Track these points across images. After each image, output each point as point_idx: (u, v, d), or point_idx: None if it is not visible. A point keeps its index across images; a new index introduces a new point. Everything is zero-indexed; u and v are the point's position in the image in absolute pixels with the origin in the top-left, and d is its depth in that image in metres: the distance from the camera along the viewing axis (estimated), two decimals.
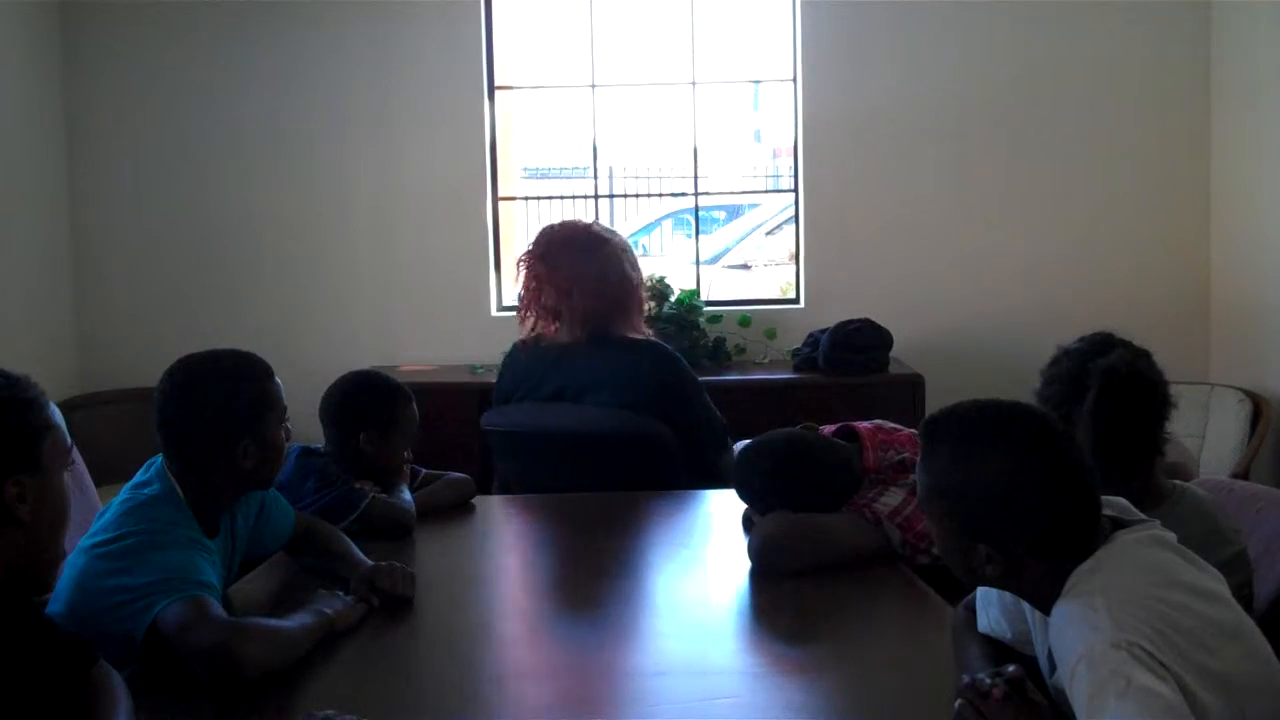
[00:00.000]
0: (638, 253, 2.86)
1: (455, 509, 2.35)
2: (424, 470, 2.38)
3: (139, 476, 1.69)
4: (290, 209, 4.20)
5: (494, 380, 3.86)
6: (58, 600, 1.61)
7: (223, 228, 4.20)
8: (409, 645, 1.68)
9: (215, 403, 1.67)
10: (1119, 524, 1.28)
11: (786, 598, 1.88)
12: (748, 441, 2.10)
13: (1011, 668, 1.26)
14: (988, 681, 1.24)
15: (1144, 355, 1.68)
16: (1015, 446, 1.26)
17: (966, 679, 1.27)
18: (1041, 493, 1.23)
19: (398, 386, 2.30)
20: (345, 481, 2.16)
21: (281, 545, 1.92)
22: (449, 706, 1.47)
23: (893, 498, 1.90)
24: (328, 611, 1.62)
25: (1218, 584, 1.25)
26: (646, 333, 2.70)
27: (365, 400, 2.26)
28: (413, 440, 2.28)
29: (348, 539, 1.93)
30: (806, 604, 1.85)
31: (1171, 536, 1.29)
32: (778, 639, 1.71)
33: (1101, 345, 1.67)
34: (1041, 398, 1.67)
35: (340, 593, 1.71)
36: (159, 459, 1.70)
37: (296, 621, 1.56)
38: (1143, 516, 1.31)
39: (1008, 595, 1.37)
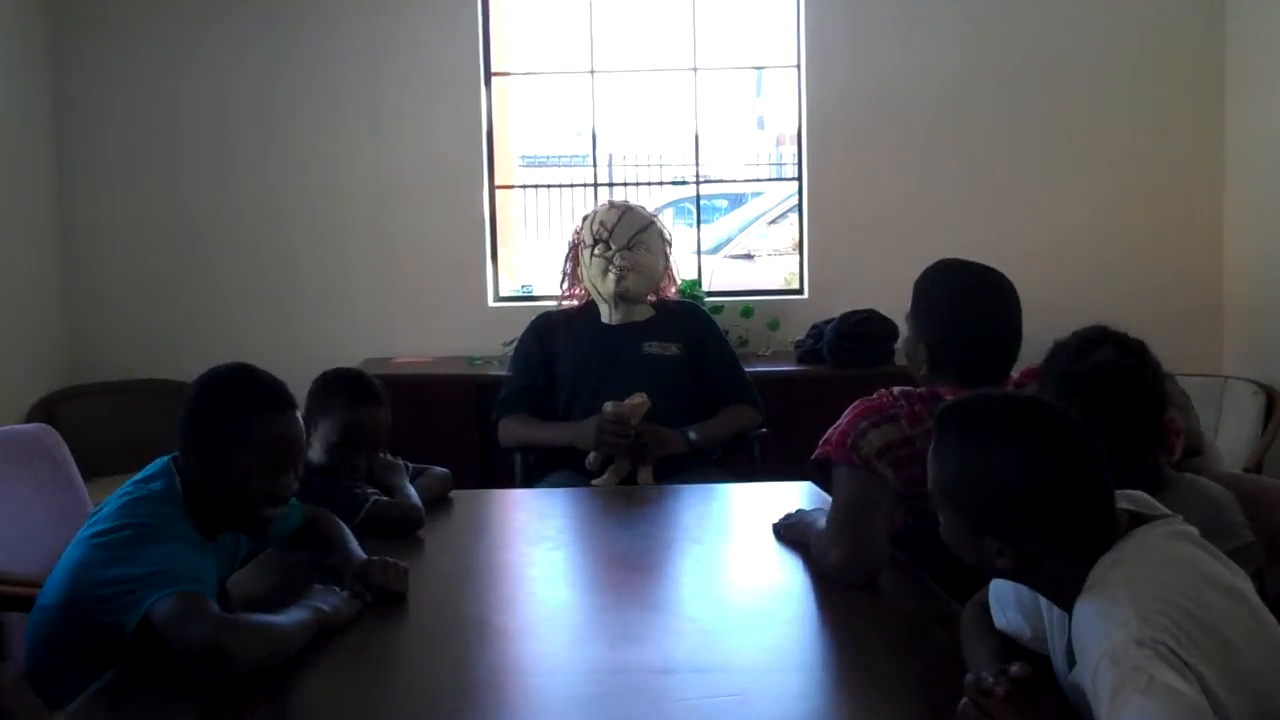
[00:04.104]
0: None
1: (438, 504, 2.35)
2: (410, 465, 2.38)
3: (146, 471, 1.70)
4: (283, 198, 4.18)
5: (491, 372, 3.91)
6: (52, 588, 1.62)
7: (214, 218, 4.18)
8: (402, 641, 1.67)
9: (227, 452, 1.65)
10: (1139, 519, 1.28)
11: (793, 593, 1.88)
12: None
13: (1016, 666, 1.25)
14: (990, 679, 1.24)
15: (1135, 350, 1.66)
16: (1027, 439, 1.25)
17: (970, 677, 1.27)
18: (1053, 486, 1.23)
19: (348, 383, 2.21)
20: (345, 486, 2.14)
21: (289, 539, 1.92)
22: (444, 704, 1.47)
23: (878, 437, 1.83)
24: (323, 608, 1.62)
25: (1242, 581, 1.24)
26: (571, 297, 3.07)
27: (312, 399, 2.20)
28: (371, 444, 2.18)
29: (348, 532, 1.92)
30: (813, 599, 1.85)
31: (1194, 530, 1.28)
32: (783, 635, 1.71)
33: (1091, 342, 1.65)
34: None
35: (337, 589, 1.71)
36: (168, 458, 1.70)
37: (290, 617, 1.56)
38: (1165, 511, 1.30)
39: (1025, 591, 1.36)
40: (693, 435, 2.82)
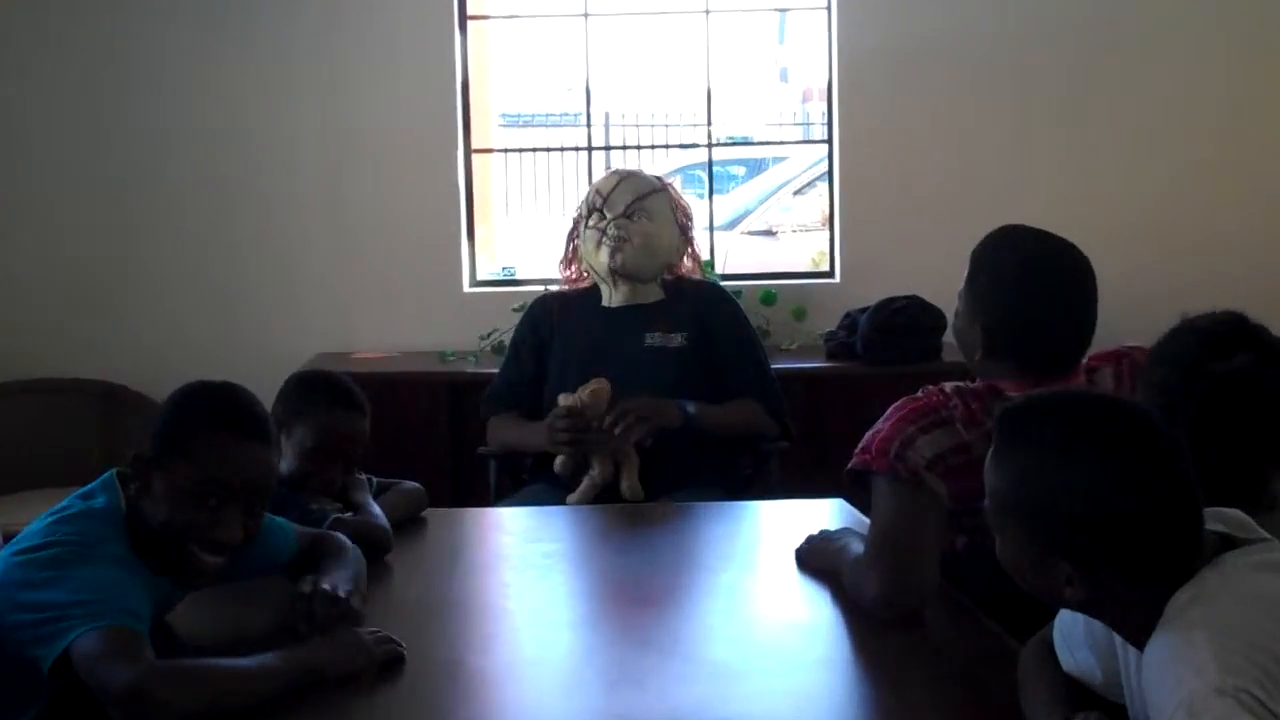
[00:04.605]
0: None
1: (408, 524, 2.36)
2: (376, 479, 2.39)
3: (88, 487, 1.71)
4: (223, 168, 4.19)
5: (468, 369, 3.90)
6: None
7: (144, 195, 4.19)
8: (364, 686, 1.66)
9: (168, 471, 1.64)
10: (1230, 542, 1.28)
11: (821, 630, 1.89)
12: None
13: (1081, 717, 1.25)
14: None
15: (1278, 351, 1.63)
16: (1106, 448, 1.25)
17: None
18: (1137, 505, 1.23)
19: (330, 384, 2.26)
20: (300, 502, 2.15)
21: (284, 568, 1.91)
22: None
23: (928, 444, 1.81)
24: (314, 653, 1.60)
25: None
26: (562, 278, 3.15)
27: (285, 400, 2.24)
28: (348, 456, 2.23)
29: (348, 560, 1.91)
30: (845, 637, 1.86)
31: None
32: (811, 679, 1.71)
33: (1225, 329, 1.62)
34: (1146, 382, 1.63)
35: (361, 631, 1.68)
36: (112, 472, 1.71)
37: (253, 661, 1.55)
38: (1261, 534, 1.30)
39: (1098, 627, 1.36)
40: (690, 409, 2.79)
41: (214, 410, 1.70)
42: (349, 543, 1.98)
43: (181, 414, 1.70)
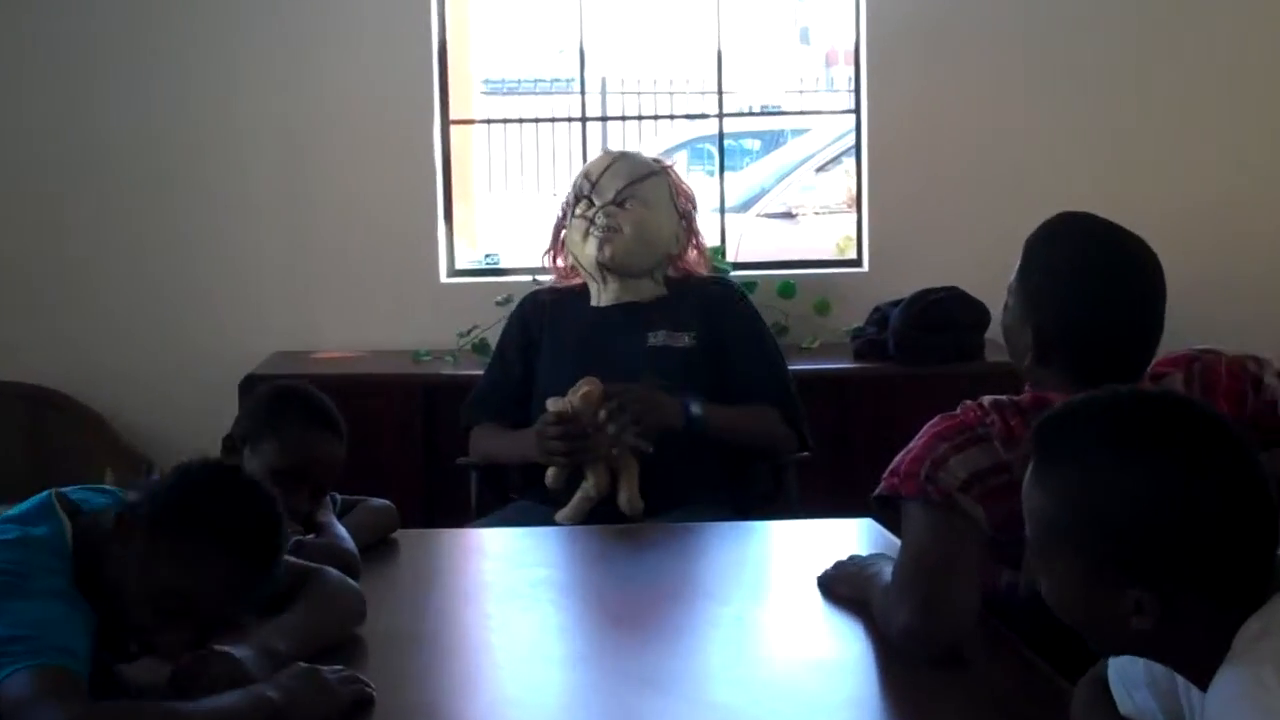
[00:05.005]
0: None
1: (377, 546, 2.37)
2: (340, 496, 2.40)
3: (23, 507, 1.71)
4: (165, 147, 4.19)
5: (445, 371, 3.91)
6: None
7: (75, 172, 4.19)
8: None
9: (145, 559, 1.63)
10: None
11: (847, 668, 1.90)
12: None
13: None
14: None
15: None
16: (1168, 446, 1.26)
17: None
18: (1214, 505, 1.24)
19: (306, 401, 2.27)
20: None
21: (263, 604, 1.91)
22: None
23: (963, 464, 1.82)
24: (271, 695, 1.60)
25: None
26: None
27: (253, 411, 2.27)
28: (318, 483, 2.23)
29: (329, 603, 1.93)
30: (874, 676, 1.87)
31: None
32: None
33: None
34: None
35: (320, 668, 1.68)
36: (50, 494, 1.71)
37: (204, 704, 1.56)
38: None
39: (1159, 666, 1.37)
40: (695, 409, 2.79)
41: (228, 514, 1.67)
42: (340, 584, 1.97)
43: (189, 496, 1.68)
